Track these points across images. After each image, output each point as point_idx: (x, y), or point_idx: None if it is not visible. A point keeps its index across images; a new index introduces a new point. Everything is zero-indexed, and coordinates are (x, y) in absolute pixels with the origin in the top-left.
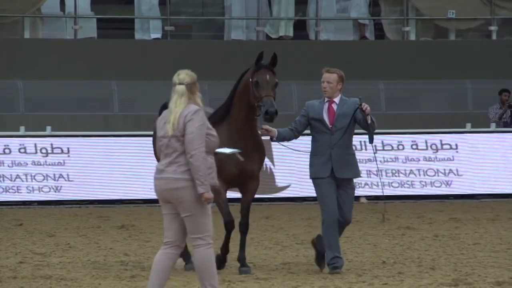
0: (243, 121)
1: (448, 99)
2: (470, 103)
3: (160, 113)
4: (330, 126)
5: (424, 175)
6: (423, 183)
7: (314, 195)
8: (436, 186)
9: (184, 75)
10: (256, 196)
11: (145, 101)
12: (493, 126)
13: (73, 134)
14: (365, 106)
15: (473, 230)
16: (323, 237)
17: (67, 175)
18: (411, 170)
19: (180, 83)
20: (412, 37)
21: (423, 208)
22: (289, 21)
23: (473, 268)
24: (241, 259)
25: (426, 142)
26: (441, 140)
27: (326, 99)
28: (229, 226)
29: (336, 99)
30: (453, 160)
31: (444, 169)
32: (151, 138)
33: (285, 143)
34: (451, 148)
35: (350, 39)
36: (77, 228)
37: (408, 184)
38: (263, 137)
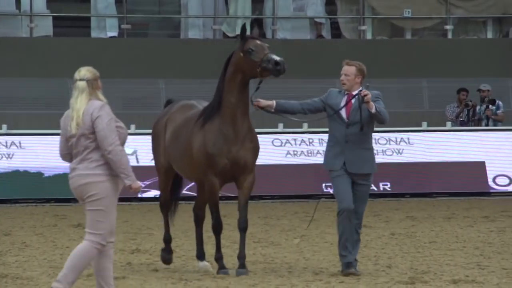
0: (234, 107)
1: (404, 98)
2: (426, 102)
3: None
4: (346, 119)
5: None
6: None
7: (272, 194)
8: (392, 185)
9: (85, 72)
10: None
11: None
12: (449, 125)
13: (29, 133)
14: (364, 92)
15: (429, 229)
16: (338, 230)
17: (24, 171)
18: None
19: (81, 79)
20: (368, 36)
21: (379, 206)
22: (246, 19)
23: (429, 266)
24: (241, 257)
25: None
26: (396, 138)
27: (346, 92)
28: (218, 229)
29: (355, 92)
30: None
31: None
32: None
33: (287, 115)
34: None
35: (306, 37)
36: (33, 226)
37: None
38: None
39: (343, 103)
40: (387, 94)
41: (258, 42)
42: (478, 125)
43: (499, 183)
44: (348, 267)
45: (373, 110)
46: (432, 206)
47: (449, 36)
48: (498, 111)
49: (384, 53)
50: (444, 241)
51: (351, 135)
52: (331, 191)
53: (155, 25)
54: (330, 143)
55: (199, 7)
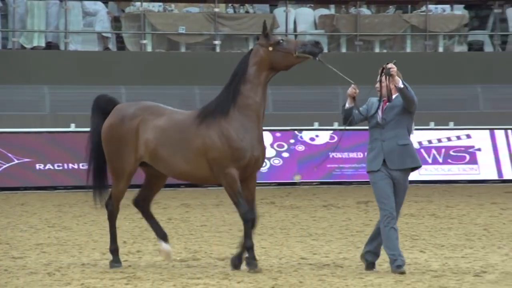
0: (259, 105)
1: (179, 103)
2: (199, 106)
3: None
4: (380, 120)
5: None
6: None
7: (66, 184)
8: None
9: None
10: (12, 185)
11: None
12: None
13: None
14: (390, 65)
15: (201, 214)
16: (382, 235)
17: None
18: None
19: None
20: (149, 49)
21: (158, 195)
22: (41, 33)
23: (201, 246)
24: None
25: None
26: None
27: (382, 99)
28: (252, 222)
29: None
30: None
31: None
32: None
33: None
34: None
35: (95, 49)
36: None
37: None
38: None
39: (380, 110)
40: (164, 99)
41: (285, 36)
42: None
43: (261, 176)
44: (400, 268)
45: (400, 85)
46: (203, 194)
47: (217, 50)
48: None
49: (163, 64)
50: (213, 225)
51: (387, 133)
52: None
53: None
54: (369, 146)
55: None
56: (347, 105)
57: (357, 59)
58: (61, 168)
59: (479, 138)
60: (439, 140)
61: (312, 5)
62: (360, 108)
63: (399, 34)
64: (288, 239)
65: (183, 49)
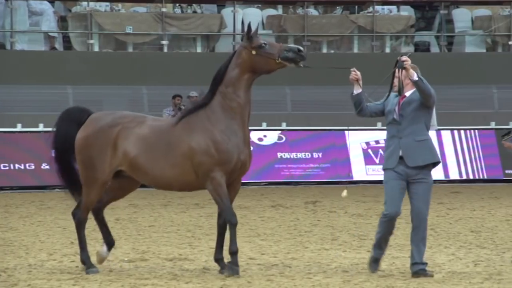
0: (243, 108)
1: (127, 103)
2: (147, 106)
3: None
4: (397, 116)
5: None
6: None
7: (12, 185)
8: None
9: None
10: None
11: None
12: None
13: None
14: (404, 57)
15: (149, 214)
16: (376, 232)
17: None
18: None
19: None
20: (96, 48)
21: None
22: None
23: (149, 247)
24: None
25: None
26: None
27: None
28: (235, 226)
29: (408, 93)
30: None
31: None
32: None
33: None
34: None
35: (41, 49)
36: None
37: None
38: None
39: (396, 106)
40: (112, 99)
41: (268, 40)
42: None
43: None
44: (375, 262)
45: (415, 77)
46: (151, 195)
47: (165, 50)
48: None
49: (110, 64)
50: (162, 225)
51: (404, 130)
52: None
53: None
54: (386, 144)
55: None
56: (354, 92)
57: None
58: (7, 168)
59: None
60: None
61: (259, 5)
62: (378, 102)
63: (346, 34)
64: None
65: (130, 49)
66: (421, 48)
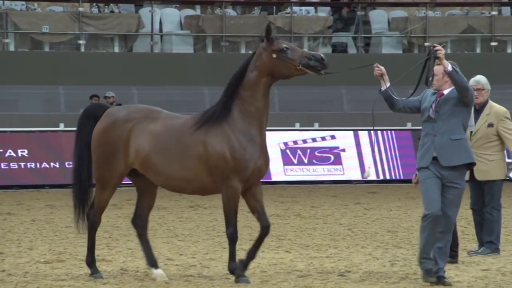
0: (261, 112)
1: (43, 102)
2: (63, 106)
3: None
4: (433, 113)
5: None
6: None
7: None
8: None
9: None
10: None
11: None
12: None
13: None
14: (438, 47)
15: (66, 215)
16: (420, 235)
17: None
18: None
19: None
20: (11, 48)
21: (22, 196)
22: None
23: (66, 248)
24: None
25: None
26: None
27: (437, 91)
28: (235, 243)
29: (446, 91)
30: None
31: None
32: None
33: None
34: None
35: None
36: None
37: None
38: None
39: (433, 103)
40: (28, 98)
41: (289, 43)
42: None
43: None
44: (429, 274)
45: (449, 68)
46: (68, 196)
47: (82, 49)
48: None
49: (26, 64)
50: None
51: (440, 127)
52: None
53: None
54: (420, 142)
55: None
56: (381, 88)
57: (223, 60)
58: None
59: (344, 139)
60: (304, 141)
61: (177, 5)
62: (414, 98)
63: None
64: (154, 240)
65: (47, 49)
66: (339, 49)
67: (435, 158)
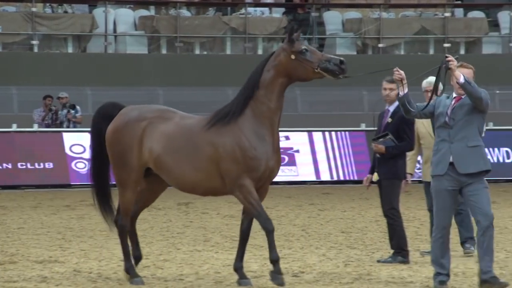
0: (273, 113)
1: None
2: (16, 106)
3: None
4: (448, 119)
5: None
6: None
7: None
8: None
9: None
10: None
11: None
12: (36, 127)
13: None
14: (450, 58)
15: (18, 216)
16: (431, 246)
17: None
18: None
19: None
20: None
21: None
22: None
23: (18, 249)
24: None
25: None
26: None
27: (454, 95)
28: (272, 232)
29: (464, 96)
30: None
31: None
32: None
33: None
34: None
35: None
36: None
37: None
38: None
39: (449, 109)
40: None
41: (310, 45)
42: (60, 127)
43: (79, 178)
44: (442, 284)
45: (461, 80)
46: (21, 197)
47: (35, 50)
48: (77, 115)
49: None
50: (31, 227)
51: (456, 134)
52: None
53: None
54: (435, 148)
55: None
56: (400, 93)
57: (178, 60)
58: None
59: (298, 140)
60: None
61: (131, 6)
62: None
63: (219, 36)
64: (108, 241)
65: (0, 49)
66: None
67: (451, 164)
